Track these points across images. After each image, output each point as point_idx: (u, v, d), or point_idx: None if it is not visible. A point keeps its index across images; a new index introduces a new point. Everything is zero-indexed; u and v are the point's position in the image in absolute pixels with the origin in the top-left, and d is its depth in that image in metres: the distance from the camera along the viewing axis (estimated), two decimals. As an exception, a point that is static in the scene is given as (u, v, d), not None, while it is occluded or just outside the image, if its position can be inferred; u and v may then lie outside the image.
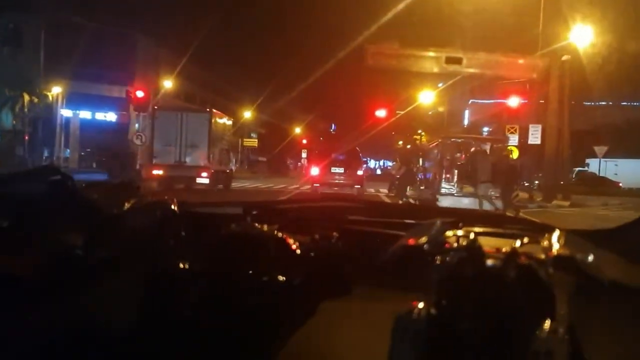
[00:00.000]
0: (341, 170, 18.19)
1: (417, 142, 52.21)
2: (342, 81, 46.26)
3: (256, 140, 51.03)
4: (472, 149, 16.63)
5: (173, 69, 33.89)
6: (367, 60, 16.90)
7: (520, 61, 16.64)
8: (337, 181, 17.84)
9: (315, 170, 18.42)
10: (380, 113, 27.49)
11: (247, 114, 47.05)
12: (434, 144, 23.41)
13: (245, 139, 49.15)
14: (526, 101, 16.81)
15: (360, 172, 18.74)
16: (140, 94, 20.36)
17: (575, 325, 0.70)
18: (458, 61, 16.30)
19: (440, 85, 27.59)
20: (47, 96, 28.13)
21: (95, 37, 27.59)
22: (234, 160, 25.71)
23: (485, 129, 29.08)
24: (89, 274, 0.94)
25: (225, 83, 48.19)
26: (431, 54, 16.71)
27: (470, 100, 32.79)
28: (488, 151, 16.19)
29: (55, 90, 28.44)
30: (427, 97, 30.56)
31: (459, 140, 19.49)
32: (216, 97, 48.35)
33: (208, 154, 18.59)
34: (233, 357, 0.82)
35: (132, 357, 0.83)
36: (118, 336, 0.85)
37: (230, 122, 23.46)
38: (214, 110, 20.80)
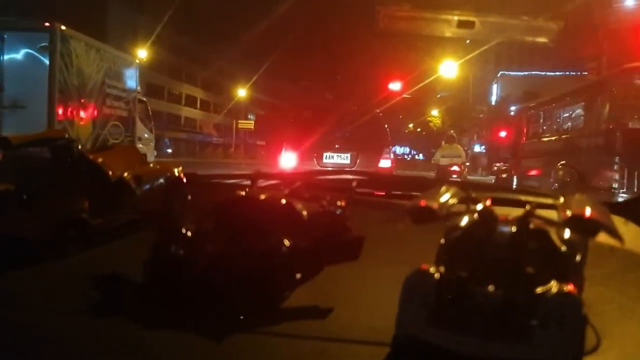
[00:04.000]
0: (345, 158, 9.37)
1: (431, 124, 47.65)
2: (350, 55, 41.62)
3: (252, 122, 46.46)
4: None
5: (155, 39, 29.85)
6: (378, 24, 15.73)
7: (536, 24, 15.19)
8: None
9: (288, 159, 9.32)
10: (395, 86, 23.11)
11: (242, 92, 42.43)
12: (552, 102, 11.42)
13: (240, 121, 44.89)
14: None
15: (386, 163, 9.52)
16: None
17: (588, 290, 0.74)
18: (470, 25, 15.34)
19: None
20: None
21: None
22: (151, 144, 14.35)
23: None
24: (94, 237, 1.07)
25: (218, 57, 43.43)
26: (443, 16, 15.60)
27: (500, 72, 27.95)
28: None
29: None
30: (448, 70, 26.12)
31: None
32: (207, 73, 44.14)
33: (50, 124, 8.89)
34: (237, 319, 0.82)
35: (139, 318, 0.82)
36: (124, 297, 0.88)
37: (131, 62, 12.62)
38: (65, 29, 9.47)
